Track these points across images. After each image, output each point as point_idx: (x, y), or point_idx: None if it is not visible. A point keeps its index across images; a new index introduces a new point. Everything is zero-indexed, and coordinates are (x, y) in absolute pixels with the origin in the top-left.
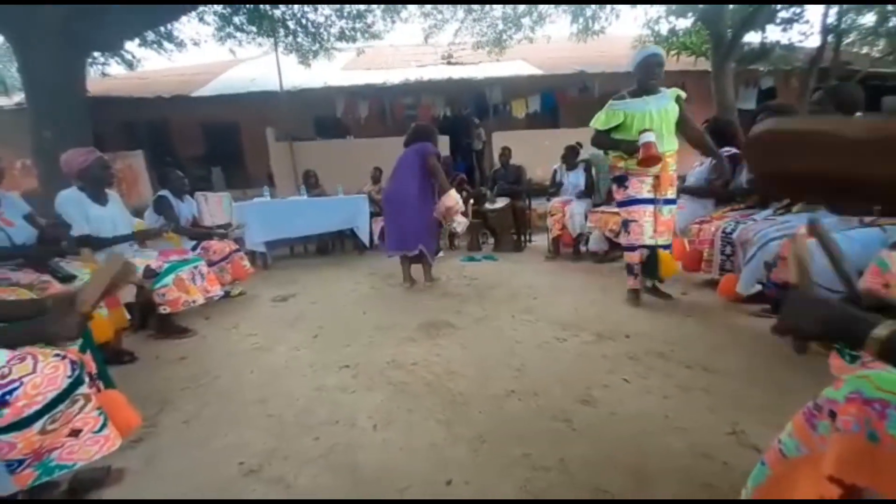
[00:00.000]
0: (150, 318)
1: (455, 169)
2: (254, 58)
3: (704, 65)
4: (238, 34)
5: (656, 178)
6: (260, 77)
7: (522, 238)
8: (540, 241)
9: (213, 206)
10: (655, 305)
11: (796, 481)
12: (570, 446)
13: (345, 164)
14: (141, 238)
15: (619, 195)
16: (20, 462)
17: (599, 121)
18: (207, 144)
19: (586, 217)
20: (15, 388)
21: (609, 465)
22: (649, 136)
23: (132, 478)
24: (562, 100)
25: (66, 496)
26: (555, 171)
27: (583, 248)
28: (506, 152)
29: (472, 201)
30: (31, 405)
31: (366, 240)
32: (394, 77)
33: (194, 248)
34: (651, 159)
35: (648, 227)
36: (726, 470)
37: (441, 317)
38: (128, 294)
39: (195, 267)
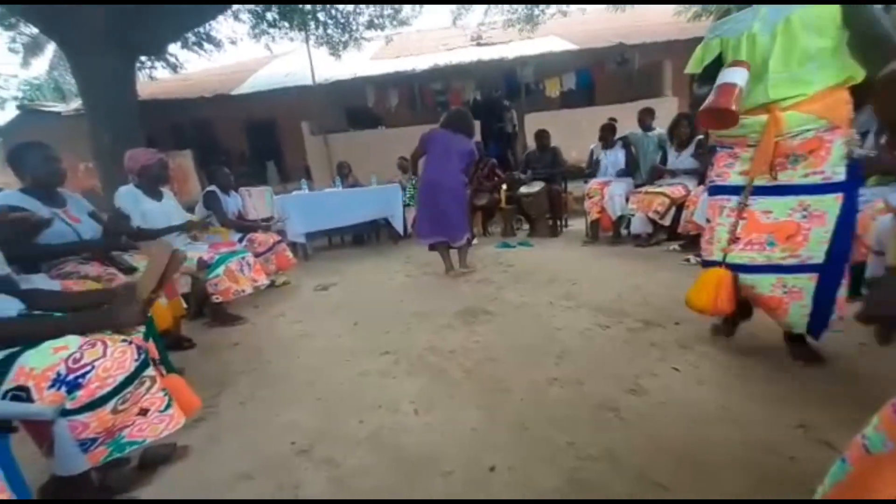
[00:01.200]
0: (204, 307)
1: (487, 154)
2: (287, 53)
3: None
4: (271, 30)
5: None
6: (294, 71)
7: (558, 223)
8: (577, 225)
9: (256, 200)
10: None
11: (882, 479)
12: (617, 436)
13: (377, 153)
14: (190, 229)
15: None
16: (93, 441)
17: (696, 60)
18: (249, 140)
19: (627, 198)
20: (87, 372)
21: (661, 455)
22: (730, 76)
23: (196, 455)
24: (598, 75)
25: (135, 472)
26: (591, 151)
27: (623, 232)
28: (543, 135)
29: (504, 187)
30: (103, 387)
31: (400, 229)
32: (422, 63)
33: (241, 241)
34: (713, 115)
35: (722, 232)
36: (793, 465)
37: (478, 304)
38: (184, 284)
39: (243, 258)
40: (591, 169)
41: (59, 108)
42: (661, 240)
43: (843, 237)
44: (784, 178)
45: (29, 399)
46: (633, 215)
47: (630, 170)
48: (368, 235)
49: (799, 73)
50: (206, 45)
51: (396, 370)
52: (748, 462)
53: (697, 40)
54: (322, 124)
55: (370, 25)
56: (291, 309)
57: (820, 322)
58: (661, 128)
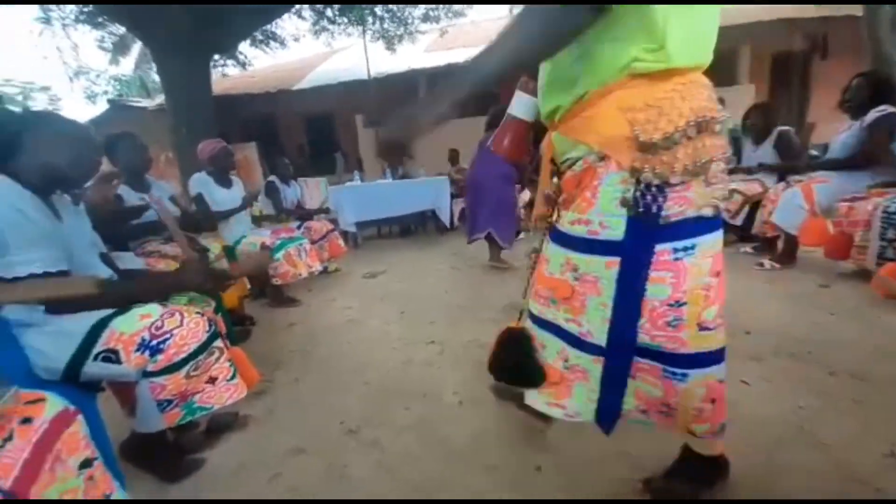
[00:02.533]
0: (265, 288)
1: (536, 146)
2: (345, 48)
3: (852, 9)
4: (331, 26)
5: None
6: (351, 66)
7: None
8: None
9: (312, 190)
10: (787, 298)
11: None
12: (676, 448)
13: (427, 146)
14: (249, 205)
15: None
16: (169, 402)
17: None
18: (307, 133)
19: None
20: (167, 338)
21: (731, 471)
22: (512, 106)
23: (255, 425)
24: None
25: (203, 436)
26: None
27: None
28: None
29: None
30: (179, 353)
31: (447, 221)
32: (470, 52)
33: (298, 228)
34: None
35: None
36: (879, 497)
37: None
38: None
39: (300, 244)
40: None
41: (145, 103)
42: (732, 241)
43: (623, 319)
44: (561, 221)
45: (118, 361)
46: None
47: None
48: (416, 226)
49: (568, 70)
50: (271, 43)
51: (441, 360)
52: (829, 491)
53: (783, 22)
54: (375, 117)
55: (425, 18)
56: (342, 294)
57: (609, 413)
58: (734, 119)
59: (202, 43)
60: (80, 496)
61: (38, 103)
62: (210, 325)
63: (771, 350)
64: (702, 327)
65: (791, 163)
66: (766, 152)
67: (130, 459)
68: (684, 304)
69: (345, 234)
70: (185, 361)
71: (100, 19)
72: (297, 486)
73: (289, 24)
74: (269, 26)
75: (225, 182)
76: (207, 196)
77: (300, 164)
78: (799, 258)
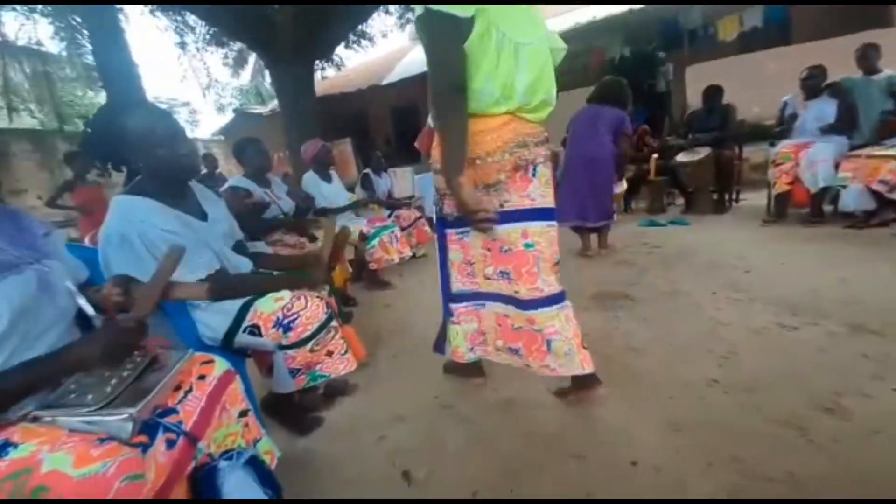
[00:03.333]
0: (363, 272)
1: (636, 119)
2: None
3: None
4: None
5: None
6: None
7: (727, 197)
8: (752, 199)
9: (400, 180)
10: None
11: None
12: (804, 461)
13: None
14: (357, 207)
15: None
16: (297, 370)
17: None
18: (394, 125)
19: (837, 165)
20: (296, 318)
21: (872, 495)
22: None
23: (362, 392)
24: (797, 5)
25: (321, 398)
26: (784, 105)
27: (828, 209)
28: (712, 92)
29: (655, 156)
30: (305, 331)
31: None
32: (563, 23)
33: (390, 216)
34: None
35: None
36: None
37: (617, 288)
38: (349, 253)
39: (392, 232)
40: (783, 127)
41: (260, 109)
42: (889, 220)
43: (444, 275)
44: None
45: (259, 335)
46: (844, 186)
47: (844, 126)
48: None
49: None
50: (362, 42)
51: None
52: None
53: None
54: None
55: None
56: (429, 279)
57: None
58: (891, 69)
59: (307, 51)
60: (238, 439)
61: (181, 117)
62: (328, 308)
63: None
64: (486, 277)
65: None
66: None
67: (269, 414)
68: (473, 263)
69: (431, 222)
70: (309, 338)
71: (224, 39)
72: (400, 448)
73: (377, 21)
74: (360, 26)
75: (326, 177)
76: (316, 191)
77: (387, 154)
78: None
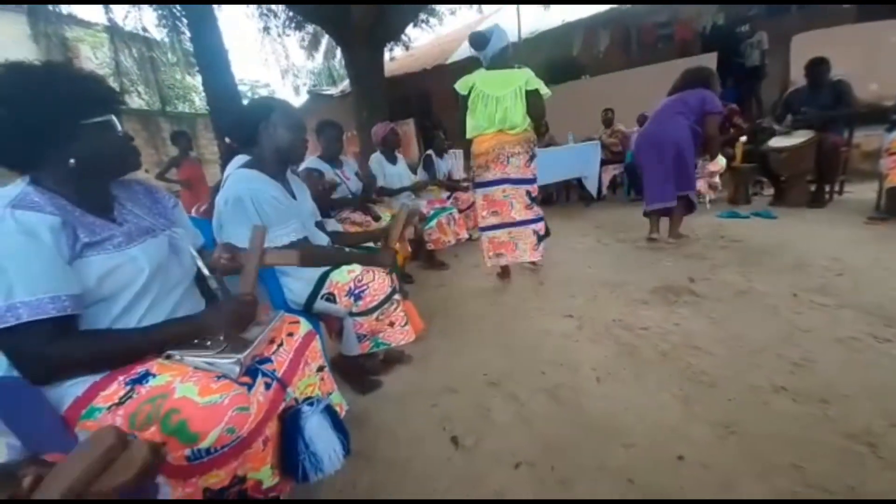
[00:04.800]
0: (420, 252)
1: (725, 97)
2: (497, 10)
3: None
4: None
5: None
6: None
7: (829, 188)
8: (861, 192)
9: (461, 162)
10: None
11: None
12: (869, 476)
13: (577, 107)
14: (417, 189)
15: None
16: (363, 336)
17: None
18: (457, 104)
19: None
20: (365, 290)
21: None
22: None
23: (416, 363)
24: None
25: (381, 364)
26: None
27: None
28: (818, 66)
29: (743, 139)
30: (373, 301)
31: (593, 191)
32: None
33: (448, 198)
34: None
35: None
36: None
37: (682, 282)
38: (409, 232)
39: (450, 213)
40: None
41: (332, 90)
42: None
43: None
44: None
45: (335, 301)
46: None
47: None
48: (557, 195)
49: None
50: (430, 20)
51: (579, 335)
52: None
53: None
54: None
55: None
56: (484, 262)
57: None
58: None
59: (378, 33)
60: (317, 390)
61: None
62: (392, 282)
63: None
64: (482, 217)
65: None
66: None
67: (336, 373)
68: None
69: None
70: (375, 308)
71: (301, 21)
72: (450, 416)
73: None
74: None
75: (392, 159)
76: (379, 172)
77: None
78: None
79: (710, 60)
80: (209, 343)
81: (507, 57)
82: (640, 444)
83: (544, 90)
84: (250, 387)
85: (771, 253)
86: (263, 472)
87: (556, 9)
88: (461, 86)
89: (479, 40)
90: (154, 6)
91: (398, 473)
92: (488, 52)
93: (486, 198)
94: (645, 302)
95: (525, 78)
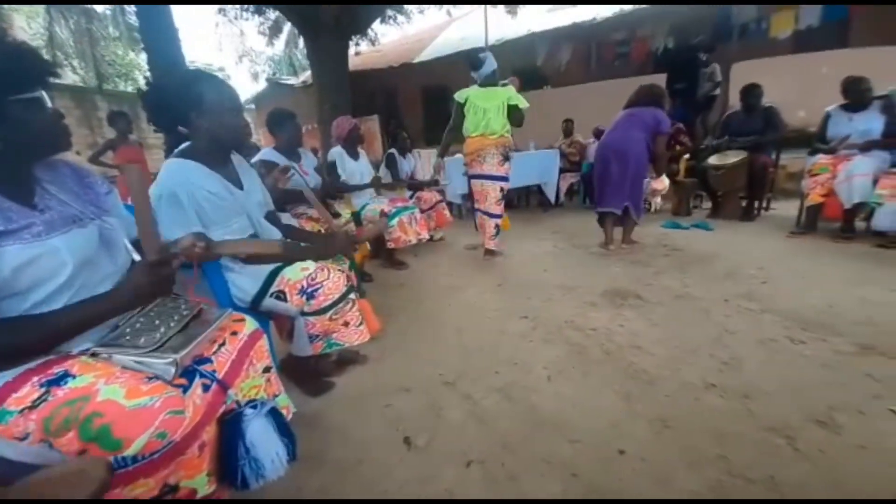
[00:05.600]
0: (380, 250)
1: (673, 116)
2: (465, 14)
3: None
4: None
5: None
6: (469, 35)
7: (757, 204)
8: (785, 209)
9: (425, 162)
10: None
11: None
12: (786, 466)
13: (540, 116)
14: (374, 185)
15: None
16: (315, 336)
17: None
18: (424, 105)
19: (876, 180)
20: (319, 288)
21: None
22: None
23: (371, 363)
24: (860, 5)
25: (334, 365)
26: (826, 116)
27: (860, 225)
28: (751, 91)
29: (686, 157)
30: (326, 300)
31: (552, 197)
32: (606, 10)
33: (411, 198)
34: None
35: None
36: None
37: (629, 286)
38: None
39: (412, 213)
40: (831, 146)
41: (292, 80)
42: None
43: None
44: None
45: (285, 300)
46: (880, 204)
47: (890, 143)
48: (518, 201)
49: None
50: (398, 17)
51: (533, 335)
52: None
53: None
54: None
55: None
56: (445, 262)
57: None
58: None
59: (344, 25)
60: (262, 392)
61: None
62: (348, 280)
63: None
64: (476, 201)
65: None
66: None
67: (285, 375)
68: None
69: (451, 205)
70: (329, 307)
71: (262, 7)
72: (403, 417)
73: None
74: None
75: (353, 154)
76: (341, 167)
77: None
78: None
79: (660, 80)
80: (142, 340)
81: (495, 78)
82: (584, 440)
83: (523, 104)
84: (186, 388)
85: (706, 261)
86: (198, 480)
87: (523, 18)
88: (459, 96)
89: (474, 62)
90: None
91: (348, 476)
92: (481, 73)
93: (473, 186)
94: (595, 304)
95: (507, 95)
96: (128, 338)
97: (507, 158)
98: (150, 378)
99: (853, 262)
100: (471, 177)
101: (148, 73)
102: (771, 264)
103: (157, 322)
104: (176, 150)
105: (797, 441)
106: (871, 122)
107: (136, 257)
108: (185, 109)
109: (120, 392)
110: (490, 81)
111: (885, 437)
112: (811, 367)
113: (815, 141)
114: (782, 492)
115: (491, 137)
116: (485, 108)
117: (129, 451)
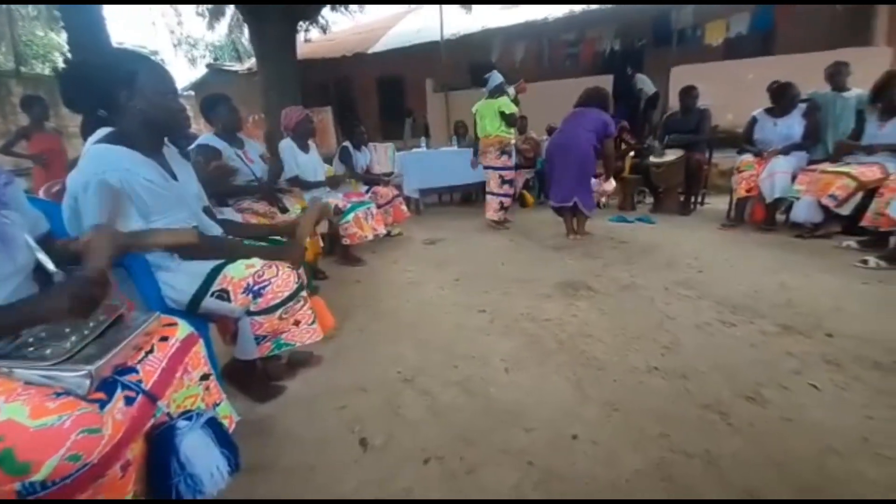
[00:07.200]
0: (335, 247)
1: (617, 115)
2: (421, 7)
3: None
4: None
5: None
6: (425, 27)
7: (693, 199)
8: (717, 204)
9: (381, 155)
10: (886, 302)
11: None
12: (720, 440)
13: None
14: (331, 183)
15: None
16: (263, 337)
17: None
18: (379, 97)
19: (794, 177)
20: (266, 286)
21: (771, 473)
22: None
23: (326, 364)
24: (784, 16)
25: (284, 367)
26: (752, 120)
27: (780, 218)
28: (687, 94)
29: (631, 154)
30: (275, 298)
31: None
32: (557, 10)
33: (367, 192)
34: None
35: None
36: None
37: (580, 278)
38: (322, 226)
39: (368, 208)
40: (757, 150)
41: (237, 67)
42: (832, 232)
43: None
44: None
45: (228, 300)
46: (797, 198)
47: (809, 144)
48: (476, 195)
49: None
50: (351, 7)
51: (491, 328)
52: None
53: None
54: (444, 81)
55: None
56: (403, 258)
57: None
58: (861, 88)
59: (291, 9)
60: (199, 401)
61: None
62: (298, 278)
63: (852, 357)
64: (487, 183)
65: None
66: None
67: (229, 381)
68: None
69: (408, 200)
70: (278, 306)
71: None
72: (360, 417)
73: None
74: None
75: (304, 147)
76: (291, 160)
77: (371, 128)
78: None
79: (607, 82)
80: (48, 352)
81: (498, 92)
82: (539, 428)
83: (511, 110)
84: (105, 403)
85: (649, 253)
86: None
87: (478, 14)
88: (474, 106)
89: (483, 82)
90: None
91: (300, 481)
92: (488, 88)
93: (484, 174)
94: (549, 296)
95: (499, 104)
96: (31, 349)
97: (504, 153)
98: (59, 394)
99: (774, 250)
100: (483, 167)
101: (68, 54)
102: (705, 254)
103: (66, 330)
104: (97, 136)
105: (730, 416)
106: (793, 128)
107: (42, 257)
108: (112, 89)
109: (23, 411)
110: (494, 94)
111: (807, 409)
112: (741, 347)
113: (742, 142)
114: (719, 465)
115: (487, 138)
116: (483, 115)
117: (38, 477)
